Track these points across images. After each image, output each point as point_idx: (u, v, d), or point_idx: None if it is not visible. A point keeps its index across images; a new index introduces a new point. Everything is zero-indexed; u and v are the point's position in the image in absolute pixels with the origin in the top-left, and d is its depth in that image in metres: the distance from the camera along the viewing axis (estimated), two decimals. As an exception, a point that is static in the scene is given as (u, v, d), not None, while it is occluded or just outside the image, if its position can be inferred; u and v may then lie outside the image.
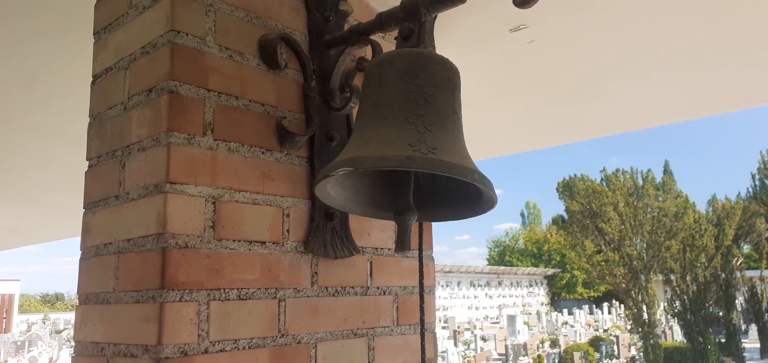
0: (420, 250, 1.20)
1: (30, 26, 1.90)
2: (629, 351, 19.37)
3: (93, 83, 1.38)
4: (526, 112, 2.77)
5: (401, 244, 1.13)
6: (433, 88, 1.08)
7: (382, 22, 1.25)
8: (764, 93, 2.69)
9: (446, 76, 1.12)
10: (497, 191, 1.13)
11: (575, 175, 22.79)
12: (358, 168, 1.02)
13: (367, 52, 1.38)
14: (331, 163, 1.07)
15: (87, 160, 1.35)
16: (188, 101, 1.14)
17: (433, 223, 1.71)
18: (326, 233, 1.35)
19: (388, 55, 1.14)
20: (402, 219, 1.14)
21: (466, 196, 1.19)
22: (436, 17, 1.22)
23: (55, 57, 2.13)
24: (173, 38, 1.14)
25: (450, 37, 1.78)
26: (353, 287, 1.41)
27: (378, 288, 1.47)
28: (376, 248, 1.48)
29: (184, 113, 1.13)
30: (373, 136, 1.05)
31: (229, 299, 1.15)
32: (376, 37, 1.33)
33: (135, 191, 1.16)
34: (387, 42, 1.54)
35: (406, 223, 1.14)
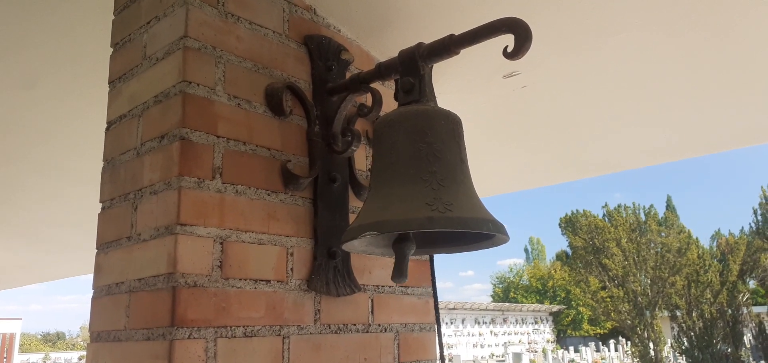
0: (433, 278, 1.25)
1: (40, 63, 1.99)
2: (637, 389, 19.04)
3: (107, 129, 1.45)
4: (523, 151, 2.84)
5: (398, 272, 1.19)
6: (441, 143, 1.18)
7: (382, 72, 1.34)
8: (759, 132, 2.76)
9: (451, 129, 1.22)
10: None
11: (577, 211, 22.79)
12: (384, 231, 1.12)
13: (368, 98, 1.46)
14: (357, 225, 1.16)
15: (100, 202, 1.41)
16: (198, 147, 1.21)
17: (435, 257, 1.75)
18: (329, 271, 1.40)
19: (396, 116, 1.23)
20: (400, 248, 1.21)
21: (479, 232, 1.26)
22: (432, 67, 1.30)
23: (63, 96, 2.21)
24: (185, 88, 1.22)
25: (447, 82, 1.86)
26: (355, 324, 1.45)
27: (379, 325, 1.51)
28: (378, 286, 1.53)
29: (195, 159, 1.20)
30: (393, 196, 1.15)
31: (235, 336, 1.19)
32: (376, 85, 1.40)
33: (146, 233, 1.22)
34: (387, 89, 1.62)
35: (405, 252, 1.21)
